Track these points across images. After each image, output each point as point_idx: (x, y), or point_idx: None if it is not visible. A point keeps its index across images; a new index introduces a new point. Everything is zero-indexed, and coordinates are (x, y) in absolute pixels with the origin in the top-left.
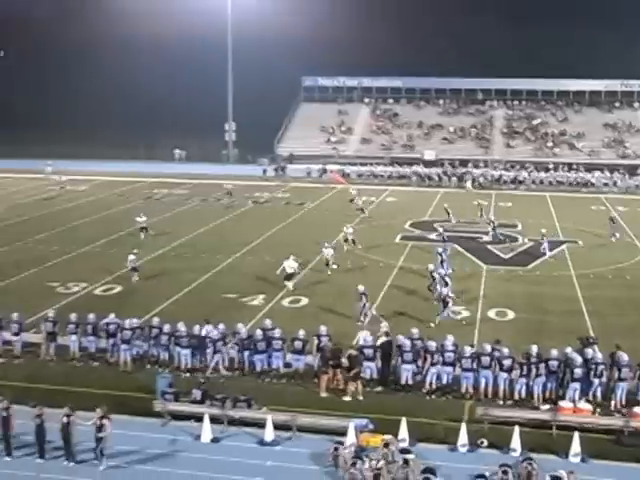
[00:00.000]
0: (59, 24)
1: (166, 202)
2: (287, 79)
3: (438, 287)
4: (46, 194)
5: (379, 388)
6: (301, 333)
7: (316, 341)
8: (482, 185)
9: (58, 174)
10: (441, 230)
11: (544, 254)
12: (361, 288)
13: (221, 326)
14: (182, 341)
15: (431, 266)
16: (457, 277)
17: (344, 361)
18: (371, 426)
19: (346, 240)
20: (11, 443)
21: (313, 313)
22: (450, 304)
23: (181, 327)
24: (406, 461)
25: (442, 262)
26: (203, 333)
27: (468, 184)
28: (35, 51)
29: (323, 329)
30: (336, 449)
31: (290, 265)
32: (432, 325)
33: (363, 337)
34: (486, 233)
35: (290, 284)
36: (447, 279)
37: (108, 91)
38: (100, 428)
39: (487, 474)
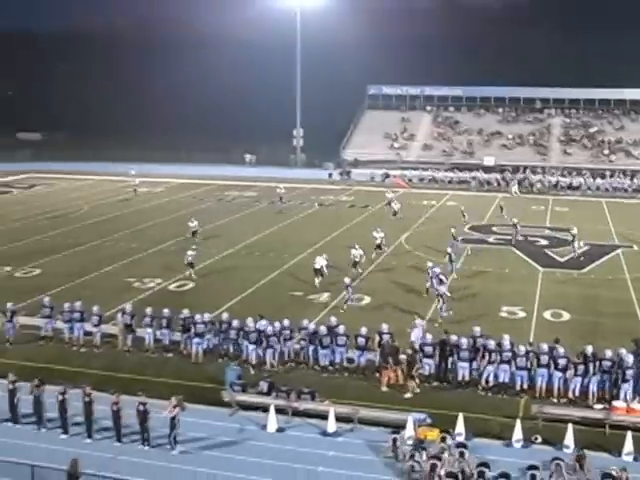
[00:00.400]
0: (138, 32)
1: (236, 204)
2: (353, 88)
3: (434, 284)
4: (124, 195)
5: (437, 384)
6: (363, 330)
7: (377, 338)
8: (540, 190)
9: (137, 177)
10: (453, 231)
11: (574, 252)
12: (347, 280)
13: (286, 322)
14: (250, 336)
15: (430, 264)
16: (512, 278)
17: (403, 357)
18: (429, 420)
19: (378, 246)
20: (92, 427)
21: (375, 311)
22: (442, 301)
23: (249, 323)
24: (462, 454)
25: (451, 260)
26: (260, 328)
27: (514, 188)
28: (115, 60)
29: (385, 327)
30: (394, 440)
31: (319, 262)
32: (436, 325)
33: (416, 335)
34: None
35: (317, 281)
36: (442, 277)
37: (185, 99)
38: (174, 416)
39: (539, 464)
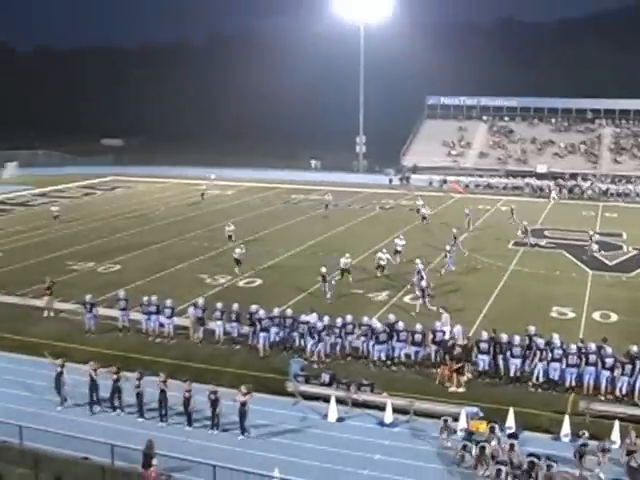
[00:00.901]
0: (212, 42)
1: (302, 206)
2: (413, 98)
3: (417, 280)
4: (197, 198)
5: (489, 379)
6: (418, 327)
7: (431, 335)
8: (590, 197)
9: (214, 182)
10: (454, 231)
11: (593, 253)
12: (323, 269)
13: (349, 317)
14: (312, 331)
15: (417, 261)
16: (562, 280)
17: (457, 353)
18: (481, 414)
19: (396, 252)
20: (167, 412)
21: (430, 309)
22: (422, 298)
23: (305, 317)
24: (512, 446)
25: (448, 257)
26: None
27: (553, 194)
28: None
29: (438, 324)
30: (445, 421)
31: (380, 257)
32: (412, 314)
33: (459, 330)
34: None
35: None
36: (423, 273)
37: (256, 107)
38: (243, 404)
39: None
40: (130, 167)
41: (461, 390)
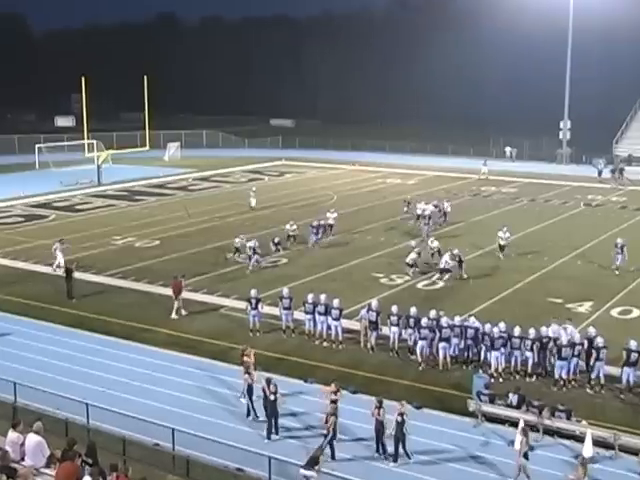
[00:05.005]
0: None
1: (494, 200)
2: (631, 75)
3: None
4: (374, 187)
5: None
6: (633, 344)
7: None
8: None
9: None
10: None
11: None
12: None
13: (546, 329)
14: (496, 342)
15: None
16: None
17: None
18: None
19: (500, 247)
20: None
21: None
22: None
23: (501, 328)
24: None
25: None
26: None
27: None
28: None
29: (633, 344)
30: None
31: (445, 260)
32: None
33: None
34: None
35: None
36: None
37: (444, 89)
38: (401, 423)
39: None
40: (301, 150)
41: None
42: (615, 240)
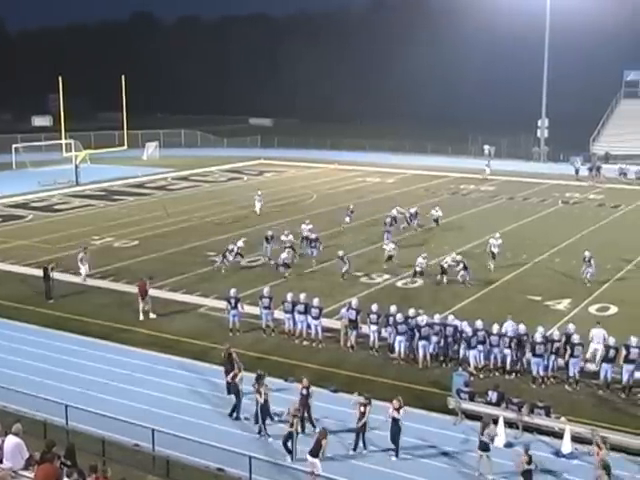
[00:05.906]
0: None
1: (473, 198)
2: (607, 74)
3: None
4: (352, 186)
5: None
6: (612, 341)
7: (624, 352)
8: None
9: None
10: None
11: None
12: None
13: (522, 327)
14: (472, 340)
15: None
16: None
17: None
18: None
19: (492, 255)
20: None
21: (621, 322)
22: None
23: (479, 325)
24: None
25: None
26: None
27: None
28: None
29: (634, 340)
30: None
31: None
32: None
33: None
34: None
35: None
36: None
37: (420, 87)
38: (396, 420)
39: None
40: (280, 150)
41: None
42: (583, 253)
